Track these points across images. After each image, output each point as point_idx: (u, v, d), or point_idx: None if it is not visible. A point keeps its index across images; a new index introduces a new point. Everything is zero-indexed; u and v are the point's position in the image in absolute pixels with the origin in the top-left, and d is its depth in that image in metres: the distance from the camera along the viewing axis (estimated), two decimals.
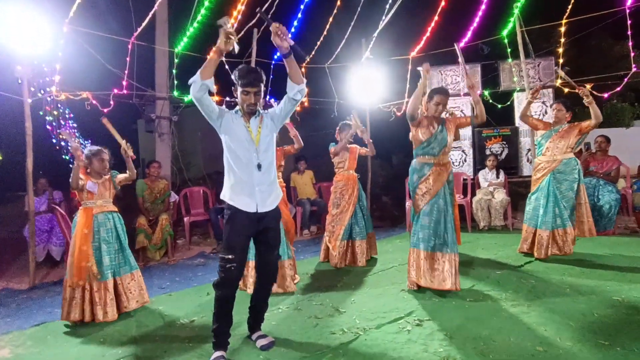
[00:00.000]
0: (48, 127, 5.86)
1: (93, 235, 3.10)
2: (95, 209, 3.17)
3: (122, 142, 3.29)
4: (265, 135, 2.42)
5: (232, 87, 2.42)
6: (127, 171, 3.35)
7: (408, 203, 5.78)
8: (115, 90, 4.87)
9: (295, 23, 5.90)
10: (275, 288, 3.49)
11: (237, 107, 2.45)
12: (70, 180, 3.10)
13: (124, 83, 4.95)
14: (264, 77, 2.39)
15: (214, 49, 2.19)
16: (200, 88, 2.20)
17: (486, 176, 6.10)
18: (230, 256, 2.31)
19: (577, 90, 4.04)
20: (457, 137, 4.56)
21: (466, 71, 3.56)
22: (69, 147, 3.23)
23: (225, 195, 2.40)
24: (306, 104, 6.82)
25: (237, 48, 2.26)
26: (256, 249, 2.52)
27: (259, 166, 2.37)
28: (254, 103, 2.36)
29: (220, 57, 2.23)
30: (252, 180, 2.36)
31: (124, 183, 3.39)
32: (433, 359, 2.25)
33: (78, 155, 3.09)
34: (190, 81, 2.22)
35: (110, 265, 3.14)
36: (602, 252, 4.24)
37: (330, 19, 6.21)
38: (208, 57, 2.24)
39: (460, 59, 3.64)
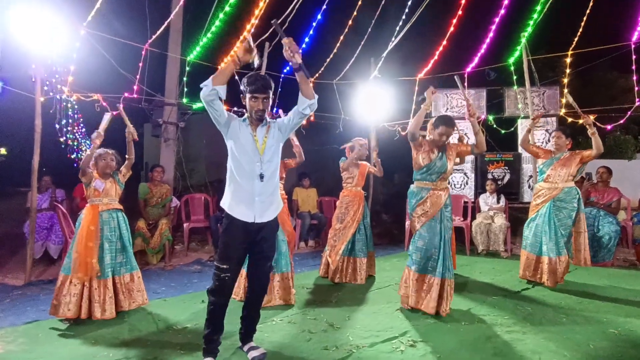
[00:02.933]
0: (57, 125, 5.94)
1: (97, 231, 3.14)
2: (101, 207, 3.21)
3: (129, 125, 3.41)
4: (270, 145, 2.44)
5: (241, 95, 2.45)
6: (127, 155, 3.42)
7: (408, 222, 5.78)
8: (126, 94, 4.95)
9: (306, 40, 6.02)
10: (277, 300, 3.48)
11: (245, 115, 2.47)
12: (80, 164, 3.20)
13: (135, 87, 5.04)
14: (273, 85, 2.42)
15: (231, 56, 2.24)
16: (210, 93, 2.24)
17: (487, 200, 6.11)
18: (225, 266, 2.32)
19: (581, 119, 4.09)
20: (461, 161, 4.62)
21: (468, 101, 3.56)
22: (92, 135, 3.32)
23: (225, 203, 2.41)
24: (312, 118, 6.90)
25: (257, 61, 2.31)
26: (250, 258, 2.51)
27: (261, 176, 2.38)
28: (263, 109, 2.38)
29: (236, 67, 2.27)
30: (252, 189, 2.37)
31: (127, 174, 3.45)
32: None
33: (96, 143, 3.21)
34: (202, 84, 2.26)
35: (111, 263, 3.17)
36: (600, 283, 4.22)
37: (341, 38, 6.33)
38: (223, 64, 2.29)
39: (461, 89, 3.69)
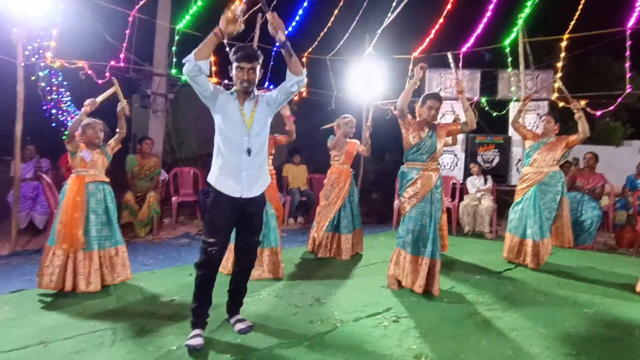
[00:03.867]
0: (39, 92, 5.76)
1: (83, 203, 3.09)
2: (87, 178, 3.15)
3: (122, 100, 3.32)
4: (258, 120, 2.40)
5: (229, 67, 2.39)
6: (117, 129, 3.36)
7: (396, 201, 5.84)
8: (112, 62, 4.79)
9: (300, 12, 5.85)
10: (266, 274, 3.53)
11: (233, 89, 2.42)
12: (68, 129, 3.12)
13: (122, 56, 4.87)
14: (262, 57, 2.36)
15: (214, 30, 2.16)
16: (193, 68, 2.17)
17: (474, 182, 6.17)
18: (212, 240, 2.31)
19: (570, 103, 4.11)
20: (454, 142, 4.61)
21: (457, 77, 3.54)
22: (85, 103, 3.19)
23: (212, 178, 2.39)
24: (304, 94, 6.80)
25: (241, 28, 2.19)
26: (237, 232, 2.50)
27: (249, 151, 2.35)
28: (248, 80, 2.32)
29: (220, 40, 2.18)
30: (240, 164, 2.35)
31: (116, 147, 3.39)
32: (406, 354, 2.31)
33: (86, 110, 3.12)
34: (184, 60, 2.19)
35: (97, 236, 3.13)
36: (580, 265, 4.35)
37: (335, 12, 6.16)
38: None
39: (453, 68, 3.67)
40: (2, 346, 2.25)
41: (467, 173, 6.63)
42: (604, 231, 6.01)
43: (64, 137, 3.22)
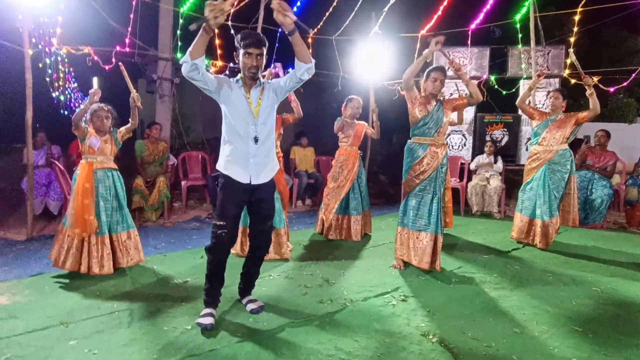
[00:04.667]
0: (47, 80, 5.78)
1: (92, 189, 3.15)
2: (95, 164, 3.20)
3: (133, 92, 3.33)
4: (265, 107, 2.40)
5: (234, 53, 2.37)
6: (130, 119, 3.40)
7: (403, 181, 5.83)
8: (118, 48, 4.78)
9: None
10: (271, 254, 3.59)
11: (239, 76, 2.41)
12: (73, 117, 3.14)
13: (127, 41, 4.86)
14: (267, 43, 2.35)
15: (203, 27, 2.09)
16: (191, 68, 2.15)
17: (479, 159, 6.09)
18: (222, 222, 2.35)
19: (582, 79, 4.02)
20: (460, 120, 4.56)
21: (448, 58, 3.48)
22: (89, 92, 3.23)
23: (220, 164, 2.41)
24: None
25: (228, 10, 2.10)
26: (250, 218, 2.55)
27: (256, 139, 2.36)
28: (257, 66, 2.31)
29: (210, 34, 2.13)
30: (247, 152, 2.37)
31: (127, 135, 3.42)
32: (414, 332, 2.36)
33: (93, 99, 3.17)
34: (181, 61, 2.18)
35: (107, 221, 3.21)
36: (589, 244, 4.35)
37: None
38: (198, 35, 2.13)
39: (444, 54, 3.64)
40: (26, 327, 2.35)
41: (476, 153, 6.57)
42: (614, 210, 5.97)
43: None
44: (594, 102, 3.90)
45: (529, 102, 5.15)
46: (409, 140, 3.49)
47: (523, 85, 6.51)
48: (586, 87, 3.91)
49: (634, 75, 5.39)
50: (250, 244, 2.61)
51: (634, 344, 2.28)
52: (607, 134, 5.45)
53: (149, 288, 2.98)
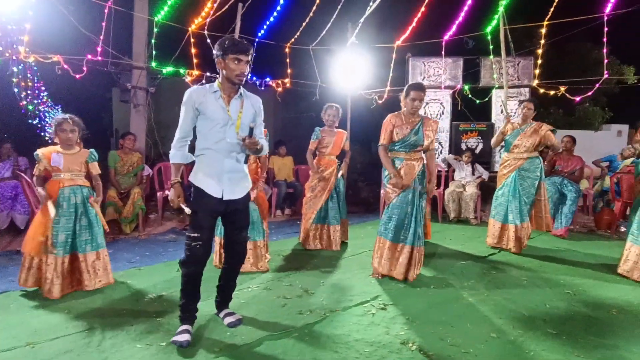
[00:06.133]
0: (15, 89, 5.58)
1: (56, 208, 2.97)
2: (63, 182, 3.03)
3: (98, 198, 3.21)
4: (245, 119, 2.33)
5: (216, 59, 2.26)
6: (95, 185, 3.23)
7: (382, 191, 5.89)
8: (89, 56, 4.66)
9: (281, 1, 5.77)
10: (248, 267, 3.52)
11: (216, 85, 2.32)
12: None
13: (99, 49, 4.75)
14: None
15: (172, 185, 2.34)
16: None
17: (460, 166, 6.27)
18: (196, 234, 2.29)
19: (507, 120, 4.42)
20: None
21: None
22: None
23: (193, 176, 2.35)
24: (288, 85, 6.75)
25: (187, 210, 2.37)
26: (225, 228, 2.49)
27: (234, 153, 2.33)
28: (244, 73, 2.26)
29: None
30: (222, 166, 2.31)
31: (91, 174, 3.21)
32: (394, 341, 2.36)
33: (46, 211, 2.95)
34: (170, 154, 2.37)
35: (68, 241, 3.00)
36: (560, 247, 4.49)
37: (317, 1, 6.10)
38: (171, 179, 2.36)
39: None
40: None
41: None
42: (583, 214, 6.19)
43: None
44: (555, 144, 4.30)
45: (501, 111, 5.34)
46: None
47: (495, 94, 6.72)
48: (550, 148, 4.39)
49: (597, 85, 5.65)
50: (226, 254, 2.55)
51: (604, 345, 2.35)
52: (573, 139, 5.67)
53: (121, 304, 2.87)
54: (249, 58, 2.27)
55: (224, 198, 2.32)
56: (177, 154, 2.36)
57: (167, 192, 5.77)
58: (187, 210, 2.35)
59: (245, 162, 2.47)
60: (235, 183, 2.36)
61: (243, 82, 2.30)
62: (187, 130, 2.34)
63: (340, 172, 4.48)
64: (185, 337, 2.28)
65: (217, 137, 2.29)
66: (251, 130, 2.25)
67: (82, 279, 3.05)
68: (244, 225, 2.50)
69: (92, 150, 3.19)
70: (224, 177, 2.32)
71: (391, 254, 3.35)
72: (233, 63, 2.22)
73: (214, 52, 2.29)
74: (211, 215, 2.36)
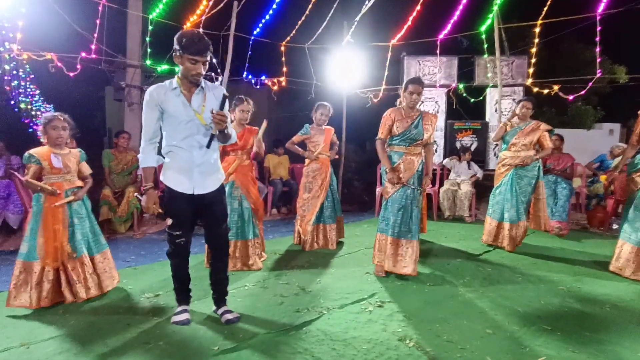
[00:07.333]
0: (7, 87, 5.52)
1: (64, 210, 2.85)
2: (65, 184, 2.89)
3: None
4: (209, 111, 2.30)
5: (174, 54, 2.21)
6: (84, 184, 3.07)
7: (378, 189, 5.91)
8: (83, 54, 4.62)
9: (277, 0, 5.76)
10: (239, 266, 3.52)
11: (175, 83, 2.27)
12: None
13: (93, 47, 4.71)
14: (212, 47, 2.26)
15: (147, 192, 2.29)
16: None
17: (451, 163, 6.33)
18: (177, 232, 2.36)
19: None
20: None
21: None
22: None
23: (163, 176, 2.34)
24: (284, 84, 6.74)
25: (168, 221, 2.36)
26: (203, 223, 2.47)
27: (202, 146, 2.31)
28: (201, 74, 2.24)
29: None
30: (192, 161, 2.30)
31: (82, 174, 3.09)
32: (391, 338, 2.37)
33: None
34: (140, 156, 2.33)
35: (83, 239, 2.91)
36: (554, 245, 4.53)
37: None
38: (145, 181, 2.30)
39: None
40: None
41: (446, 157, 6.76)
42: (577, 211, 6.26)
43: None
44: (546, 148, 4.29)
45: (496, 110, 5.36)
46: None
47: (490, 93, 6.77)
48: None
49: (590, 84, 5.71)
50: (210, 249, 2.60)
51: (597, 339, 2.38)
52: (561, 138, 5.71)
53: (117, 303, 2.86)
54: (207, 59, 2.22)
55: (195, 193, 2.33)
56: (147, 157, 2.29)
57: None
58: (169, 221, 2.34)
59: (215, 148, 2.42)
60: (205, 177, 2.36)
61: (198, 81, 2.27)
62: (154, 131, 2.30)
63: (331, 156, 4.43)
64: (185, 315, 2.43)
65: (183, 133, 2.29)
66: (224, 100, 2.24)
67: (100, 280, 2.96)
68: (221, 217, 2.49)
69: (80, 149, 3.12)
70: (195, 172, 2.32)
71: (394, 250, 3.36)
72: (189, 62, 2.19)
73: (174, 45, 2.22)
74: (189, 213, 2.39)
